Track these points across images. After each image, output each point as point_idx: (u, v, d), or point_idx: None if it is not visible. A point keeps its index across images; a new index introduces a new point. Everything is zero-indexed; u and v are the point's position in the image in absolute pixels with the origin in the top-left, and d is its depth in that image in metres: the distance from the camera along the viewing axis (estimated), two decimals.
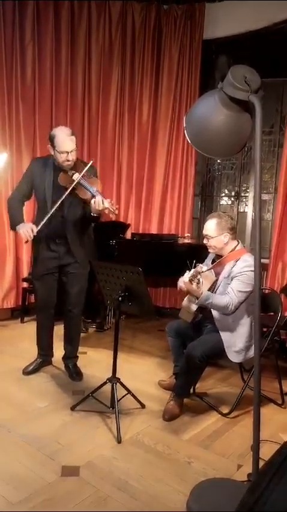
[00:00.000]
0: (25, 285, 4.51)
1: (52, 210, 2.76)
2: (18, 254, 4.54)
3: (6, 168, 4.32)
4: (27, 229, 2.79)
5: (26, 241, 2.88)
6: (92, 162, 2.90)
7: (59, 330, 3.28)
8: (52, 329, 3.25)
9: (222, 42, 4.86)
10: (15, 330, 4.26)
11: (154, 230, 5.07)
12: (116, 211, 2.75)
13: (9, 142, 4.35)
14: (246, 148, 4.72)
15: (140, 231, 5.04)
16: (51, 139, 2.80)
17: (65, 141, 2.75)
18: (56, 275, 3.06)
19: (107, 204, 2.67)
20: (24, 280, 4.52)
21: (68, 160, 2.79)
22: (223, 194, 5.31)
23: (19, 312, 4.53)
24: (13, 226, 2.94)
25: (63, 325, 3.20)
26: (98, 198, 2.68)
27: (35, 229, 2.78)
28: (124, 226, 4.86)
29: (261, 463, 1.64)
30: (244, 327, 2.64)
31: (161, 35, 4.91)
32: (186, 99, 4.87)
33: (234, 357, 2.65)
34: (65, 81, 4.63)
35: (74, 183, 2.75)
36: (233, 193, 5.20)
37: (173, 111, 4.93)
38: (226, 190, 5.30)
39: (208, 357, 2.61)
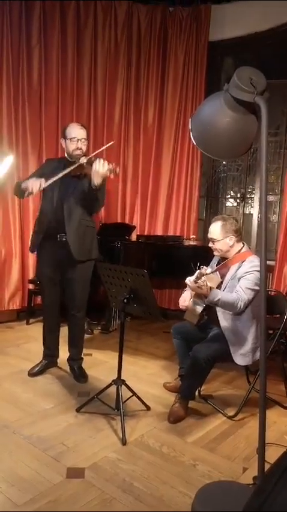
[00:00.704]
0: (31, 286, 4.53)
1: (59, 176, 2.75)
2: (24, 256, 4.56)
3: (12, 170, 4.34)
4: (35, 181, 2.75)
5: (31, 193, 2.76)
6: (112, 142, 2.98)
7: (63, 331, 3.28)
8: (58, 330, 3.26)
9: (228, 43, 4.87)
10: (20, 331, 4.27)
11: (159, 232, 5.08)
12: (117, 170, 2.72)
13: (15, 145, 4.38)
14: (252, 150, 4.71)
15: (146, 233, 5.04)
16: (63, 131, 2.98)
17: (75, 129, 2.94)
18: (60, 276, 3.07)
19: (107, 164, 2.67)
20: (30, 282, 4.54)
21: (78, 148, 2.89)
22: (229, 196, 5.30)
23: (25, 314, 4.54)
24: (17, 190, 2.88)
25: (67, 327, 3.20)
26: (100, 160, 2.68)
27: (43, 184, 2.75)
28: (129, 228, 4.86)
29: (267, 466, 1.63)
30: (250, 329, 2.63)
31: (166, 37, 4.93)
32: (192, 101, 4.87)
33: (240, 360, 2.63)
34: (71, 84, 4.66)
35: (82, 161, 2.79)
36: (238, 195, 5.18)
37: (178, 113, 4.94)
38: (231, 192, 5.29)
39: (214, 360, 2.60)
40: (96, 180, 2.70)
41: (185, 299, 2.79)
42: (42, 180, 2.76)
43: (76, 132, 2.92)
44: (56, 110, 4.62)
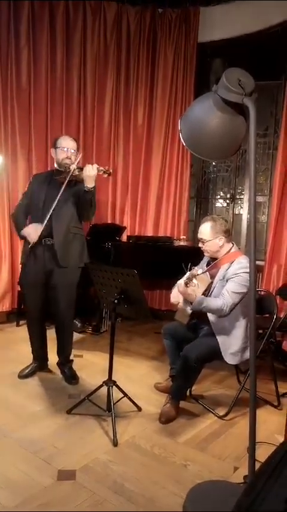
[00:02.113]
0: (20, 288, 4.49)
1: (58, 197, 2.79)
2: (13, 258, 4.52)
3: (1, 172, 4.32)
4: (31, 230, 2.88)
5: (34, 244, 2.88)
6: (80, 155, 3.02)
7: (52, 332, 3.26)
8: (44, 336, 3.22)
9: (217, 45, 4.89)
10: (10, 333, 4.24)
11: (149, 233, 5.08)
12: (110, 170, 2.85)
13: (4, 147, 4.35)
14: (241, 151, 4.74)
15: (136, 234, 5.04)
16: (55, 142, 3.05)
17: (66, 139, 3.02)
18: (44, 281, 2.99)
19: (96, 167, 2.77)
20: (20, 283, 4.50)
21: (67, 157, 2.94)
22: (218, 196, 5.33)
23: (14, 316, 4.51)
24: (20, 236, 3.03)
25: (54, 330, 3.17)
26: (88, 165, 2.78)
27: (40, 229, 2.84)
28: (120, 229, 4.86)
29: (257, 465, 1.64)
30: (240, 329, 2.65)
31: (156, 39, 4.93)
32: (181, 102, 4.88)
33: (230, 359, 2.65)
34: (60, 85, 4.64)
35: (72, 170, 2.83)
36: (228, 196, 5.21)
37: (168, 114, 4.95)
38: (221, 192, 5.31)
39: (204, 360, 2.61)
40: (89, 184, 2.80)
41: (175, 296, 2.78)
42: (39, 226, 2.85)
43: (67, 143, 2.99)
44: (45, 110, 4.60)
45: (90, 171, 2.76)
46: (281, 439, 2.46)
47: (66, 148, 2.96)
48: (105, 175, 2.86)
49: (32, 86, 4.47)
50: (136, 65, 4.93)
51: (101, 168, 2.81)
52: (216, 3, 4.75)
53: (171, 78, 4.89)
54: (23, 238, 2.97)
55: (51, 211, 2.81)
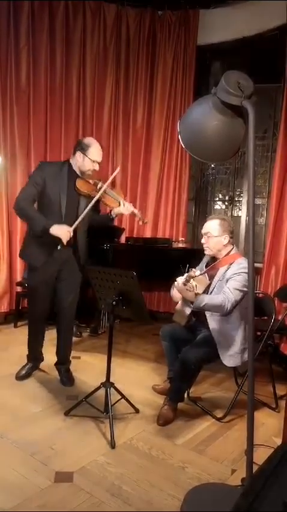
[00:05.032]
0: (19, 289, 4.49)
1: (84, 213, 2.83)
2: (12, 258, 4.52)
3: (0, 172, 4.31)
4: (65, 232, 2.73)
5: (67, 244, 2.78)
6: (118, 169, 3.17)
7: (51, 333, 3.26)
8: (43, 335, 3.22)
9: (216, 48, 4.91)
10: (8, 334, 4.23)
11: (148, 234, 5.08)
12: (146, 220, 3.19)
13: (3, 147, 4.35)
14: (240, 153, 4.75)
15: (135, 235, 5.04)
16: (86, 147, 2.85)
17: (99, 152, 2.92)
18: (53, 283, 3.01)
19: (135, 210, 3.01)
20: (18, 284, 4.50)
21: (94, 170, 2.92)
22: (217, 198, 5.34)
23: (12, 317, 4.50)
24: (41, 228, 2.75)
25: (55, 330, 3.18)
26: (127, 204, 2.97)
27: (71, 229, 2.77)
28: (119, 231, 4.86)
29: (255, 468, 1.64)
30: (238, 331, 2.65)
31: (155, 41, 4.94)
32: (180, 105, 4.89)
33: (229, 362, 2.64)
34: (60, 86, 4.64)
35: (101, 191, 2.86)
36: (227, 198, 5.22)
37: (167, 117, 4.96)
38: (220, 194, 5.32)
39: (202, 361, 2.61)
40: (117, 214, 3.02)
41: (176, 296, 2.77)
42: (70, 229, 2.75)
43: (99, 156, 2.90)
44: (45, 111, 4.60)
45: (129, 210, 2.96)
46: (279, 441, 2.46)
47: (97, 163, 2.88)
48: (140, 222, 3.16)
49: (32, 87, 4.47)
50: (135, 67, 4.94)
51: (138, 213, 3.06)
52: (215, 6, 4.76)
53: (170, 81, 4.90)
54: (43, 234, 2.74)
55: (77, 223, 2.79)
